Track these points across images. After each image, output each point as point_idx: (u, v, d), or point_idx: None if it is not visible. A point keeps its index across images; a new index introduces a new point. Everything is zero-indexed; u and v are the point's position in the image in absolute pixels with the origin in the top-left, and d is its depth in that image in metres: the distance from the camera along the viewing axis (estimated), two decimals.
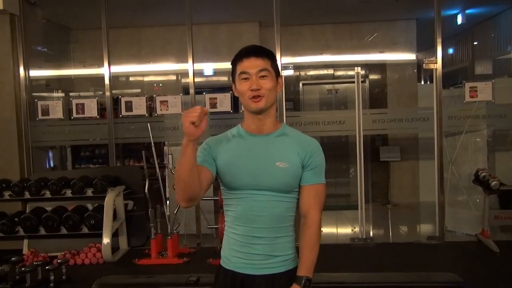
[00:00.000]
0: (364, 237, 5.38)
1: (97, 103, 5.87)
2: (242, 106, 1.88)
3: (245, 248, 1.80)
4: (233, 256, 1.83)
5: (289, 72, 5.63)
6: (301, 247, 1.83)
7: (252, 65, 1.79)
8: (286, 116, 5.57)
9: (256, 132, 1.85)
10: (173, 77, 7.93)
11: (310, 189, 1.82)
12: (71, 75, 7.67)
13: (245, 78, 1.80)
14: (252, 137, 1.85)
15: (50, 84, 7.12)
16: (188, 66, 5.71)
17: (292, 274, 1.83)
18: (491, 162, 5.95)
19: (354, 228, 5.86)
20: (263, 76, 1.79)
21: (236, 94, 1.87)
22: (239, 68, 1.82)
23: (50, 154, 6.77)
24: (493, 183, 4.89)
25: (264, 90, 1.78)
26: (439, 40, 5.38)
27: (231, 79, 1.90)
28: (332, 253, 5.03)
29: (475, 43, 8.14)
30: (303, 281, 1.77)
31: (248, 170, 1.78)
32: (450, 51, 8.68)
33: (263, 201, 1.78)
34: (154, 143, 5.29)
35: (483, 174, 5.01)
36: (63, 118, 5.91)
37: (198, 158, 1.83)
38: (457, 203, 5.67)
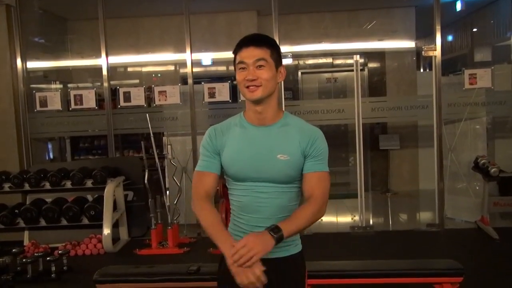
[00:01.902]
0: (364, 225, 5.40)
1: (95, 94, 5.86)
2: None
3: None
4: None
5: (288, 61, 5.61)
6: (293, 212, 1.76)
7: (249, 55, 1.77)
8: (285, 106, 5.57)
9: (258, 123, 1.84)
10: (171, 67, 7.89)
11: (313, 176, 1.79)
12: (68, 66, 7.64)
13: (242, 68, 1.79)
14: (254, 128, 1.83)
15: (48, 75, 7.09)
16: (186, 56, 5.68)
17: (296, 257, 1.84)
18: (491, 149, 5.95)
19: (354, 216, 5.88)
20: (260, 66, 1.77)
21: (236, 83, 1.87)
22: (238, 58, 1.81)
23: (49, 146, 6.76)
24: (493, 170, 4.90)
25: (261, 80, 1.76)
26: (438, 27, 5.35)
27: (233, 68, 1.89)
28: (332, 242, 5.06)
29: (474, 30, 8.09)
30: (272, 227, 1.66)
31: (250, 163, 1.78)
32: (449, 38, 8.63)
33: (266, 192, 1.79)
34: (153, 133, 5.29)
35: (482, 161, 5.02)
36: (61, 109, 5.90)
37: (202, 161, 1.86)
38: (456, 190, 5.68)
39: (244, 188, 1.81)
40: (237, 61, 1.81)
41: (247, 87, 1.77)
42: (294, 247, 1.84)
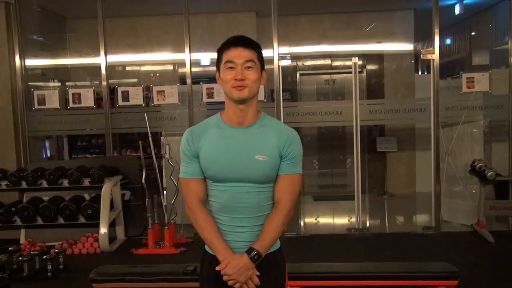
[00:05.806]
0: (360, 227, 5.41)
1: (94, 92, 5.85)
2: (224, 96, 1.88)
3: (229, 236, 1.85)
4: None
5: (286, 62, 5.61)
6: (264, 226, 1.84)
7: (239, 55, 1.81)
8: (283, 107, 5.57)
9: (236, 124, 1.86)
10: (170, 67, 7.89)
11: (285, 179, 1.85)
12: (67, 64, 7.63)
13: (231, 68, 1.81)
14: (232, 130, 1.86)
15: (46, 73, 7.08)
16: (185, 56, 5.68)
17: (275, 255, 1.88)
18: (487, 153, 5.96)
19: (351, 218, 5.89)
20: (248, 67, 1.81)
21: (219, 83, 1.89)
22: (225, 57, 1.83)
23: (47, 144, 6.75)
24: (489, 173, 4.91)
25: (248, 81, 1.79)
26: (436, 31, 5.37)
27: (216, 67, 1.91)
28: (329, 243, 5.07)
29: (473, 33, 8.12)
30: (252, 253, 1.78)
31: (229, 164, 1.81)
32: (448, 41, 8.66)
33: (244, 192, 1.83)
34: (151, 133, 5.29)
35: (479, 164, 5.03)
36: (59, 107, 5.89)
37: (185, 167, 1.89)
38: (453, 193, 5.70)
39: (223, 188, 1.85)
40: (224, 60, 1.84)
41: (235, 86, 1.79)
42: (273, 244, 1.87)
